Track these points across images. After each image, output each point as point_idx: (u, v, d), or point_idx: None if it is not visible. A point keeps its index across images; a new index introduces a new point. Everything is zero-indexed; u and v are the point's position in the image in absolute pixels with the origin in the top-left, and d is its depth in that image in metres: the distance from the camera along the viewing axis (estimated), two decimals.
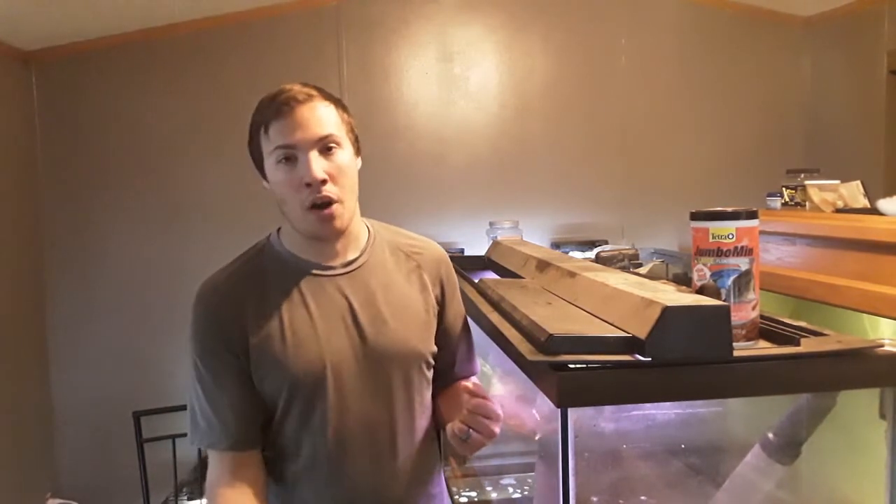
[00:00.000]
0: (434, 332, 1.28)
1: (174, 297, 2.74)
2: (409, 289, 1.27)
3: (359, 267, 1.23)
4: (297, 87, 1.15)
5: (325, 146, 1.14)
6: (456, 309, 1.35)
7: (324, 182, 1.12)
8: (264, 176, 1.20)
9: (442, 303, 1.31)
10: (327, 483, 1.18)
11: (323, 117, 1.14)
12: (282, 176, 1.14)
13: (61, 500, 2.94)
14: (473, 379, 1.40)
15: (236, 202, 3.02)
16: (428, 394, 1.30)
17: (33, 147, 2.97)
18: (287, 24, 3.08)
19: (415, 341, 1.24)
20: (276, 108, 1.13)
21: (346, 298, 1.20)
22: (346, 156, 1.17)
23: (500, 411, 1.12)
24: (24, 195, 2.92)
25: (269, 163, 1.16)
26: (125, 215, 3.05)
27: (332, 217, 1.14)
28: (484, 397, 1.11)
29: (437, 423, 1.33)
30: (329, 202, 1.14)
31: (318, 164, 1.12)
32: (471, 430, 1.10)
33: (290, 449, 1.19)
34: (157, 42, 3.02)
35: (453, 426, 1.13)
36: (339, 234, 1.19)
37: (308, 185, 1.12)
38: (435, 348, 1.28)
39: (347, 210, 1.17)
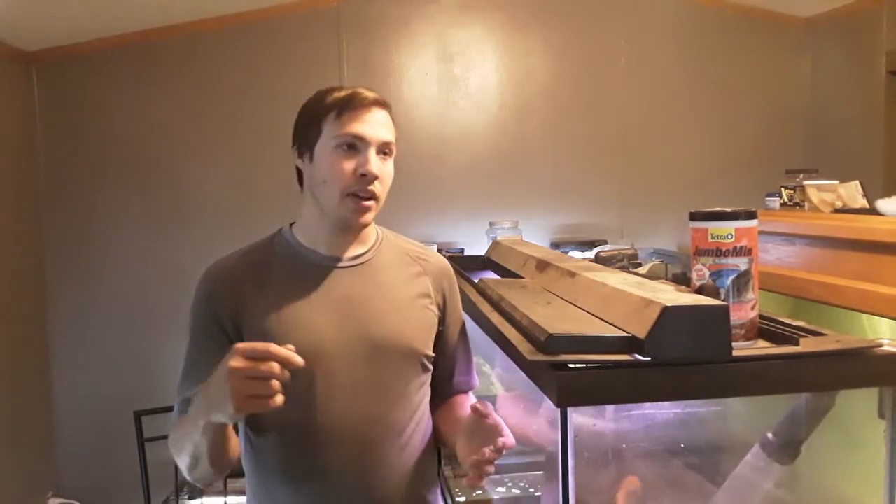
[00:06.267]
0: (433, 336, 1.30)
1: (175, 297, 2.74)
2: (412, 290, 1.29)
3: (364, 262, 1.27)
4: (373, 93, 1.23)
5: (384, 150, 1.22)
6: (456, 321, 1.37)
7: (375, 178, 1.19)
8: (303, 154, 1.24)
9: (443, 312, 1.33)
10: (306, 476, 1.18)
11: (389, 126, 1.24)
12: (338, 160, 1.19)
13: (62, 500, 2.95)
14: (471, 397, 1.39)
15: (237, 202, 3.02)
16: (425, 398, 1.30)
17: (33, 147, 2.98)
18: (287, 24, 3.09)
19: (412, 338, 1.25)
20: (358, 100, 1.20)
21: (348, 290, 1.23)
22: (392, 165, 1.25)
23: (512, 440, 1.05)
24: (24, 195, 2.92)
25: (327, 145, 1.21)
26: (125, 215, 3.05)
27: (366, 209, 1.21)
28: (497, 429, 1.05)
29: (436, 438, 1.33)
30: (371, 196, 1.19)
31: (376, 162, 1.20)
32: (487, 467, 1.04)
33: (272, 435, 1.19)
34: (157, 43, 3.02)
35: (469, 459, 1.06)
36: (363, 227, 1.25)
37: (363, 175, 1.18)
38: (432, 353, 1.29)
39: (377, 209, 1.24)
